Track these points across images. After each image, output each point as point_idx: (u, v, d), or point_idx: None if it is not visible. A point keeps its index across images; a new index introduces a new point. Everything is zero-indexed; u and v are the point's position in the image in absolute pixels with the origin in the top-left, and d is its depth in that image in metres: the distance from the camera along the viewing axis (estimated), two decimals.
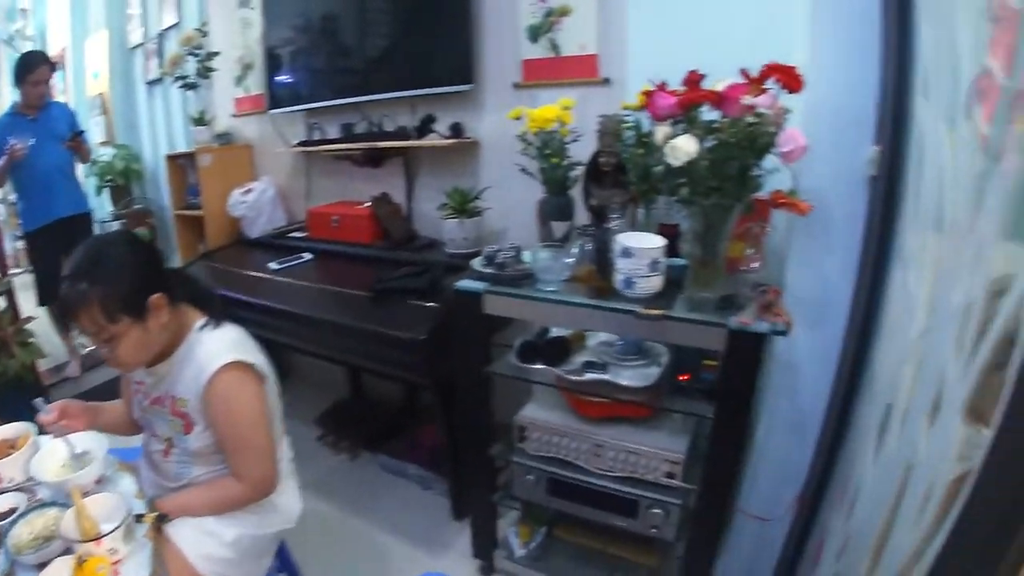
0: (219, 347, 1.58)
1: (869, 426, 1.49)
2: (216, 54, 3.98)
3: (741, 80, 1.67)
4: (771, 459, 2.00)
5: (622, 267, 1.74)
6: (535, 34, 2.64)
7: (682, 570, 1.99)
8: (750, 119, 1.63)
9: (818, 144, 1.70)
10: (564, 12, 2.55)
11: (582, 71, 2.54)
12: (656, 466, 1.94)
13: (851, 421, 1.72)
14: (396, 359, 2.39)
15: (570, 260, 1.86)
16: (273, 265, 3.13)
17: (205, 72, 3.99)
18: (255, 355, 1.63)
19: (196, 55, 3.98)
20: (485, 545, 2.41)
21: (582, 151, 2.12)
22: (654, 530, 1.99)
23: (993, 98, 0.99)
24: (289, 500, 1.83)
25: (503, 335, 2.34)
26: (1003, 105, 0.92)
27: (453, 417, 2.41)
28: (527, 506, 2.33)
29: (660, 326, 1.70)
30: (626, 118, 1.95)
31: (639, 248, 1.71)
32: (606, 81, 2.47)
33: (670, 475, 1.93)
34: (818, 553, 1.80)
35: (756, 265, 1.86)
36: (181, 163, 4.20)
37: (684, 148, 1.59)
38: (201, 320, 1.64)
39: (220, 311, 1.68)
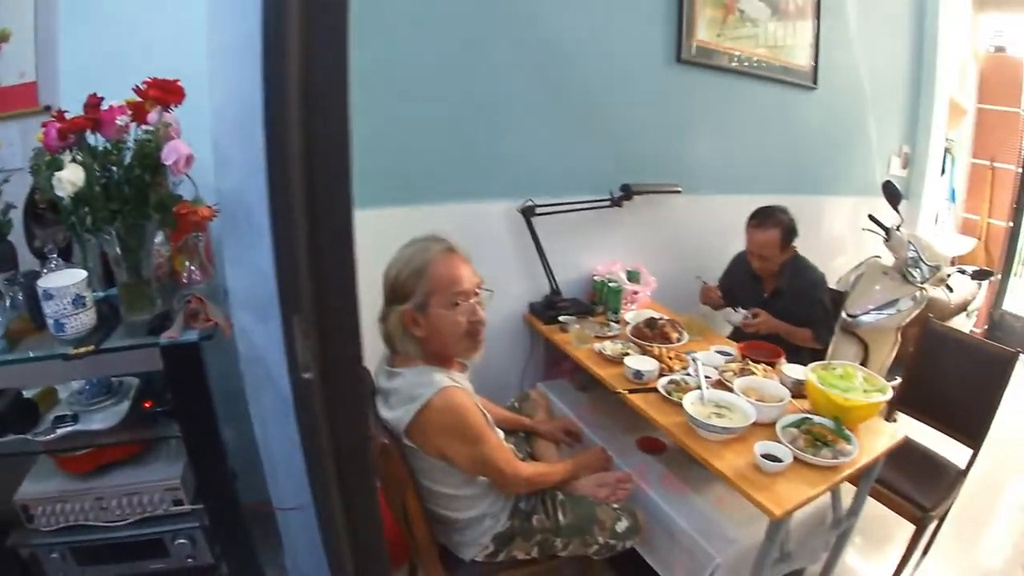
0: None
1: None
2: None
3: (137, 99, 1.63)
4: (279, 450, 2.02)
5: (48, 310, 1.61)
6: None
7: None
8: (145, 136, 1.59)
9: (230, 148, 1.71)
10: (3, 37, 2.29)
11: (23, 101, 2.30)
12: (160, 498, 1.86)
13: None
14: None
15: None
16: None
17: None
18: None
19: None
20: None
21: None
22: (191, 560, 1.92)
23: None
24: None
25: None
26: None
27: None
28: None
29: (99, 361, 1.61)
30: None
31: (57, 287, 1.59)
32: (47, 109, 2.26)
33: (177, 502, 1.87)
34: None
35: (199, 276, 1.84)
36: None
37: (69, 178, 1.50)
38: None
39: None
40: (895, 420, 3.24)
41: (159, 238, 1.89)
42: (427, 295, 1.62)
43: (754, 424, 1.90)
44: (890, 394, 1.98)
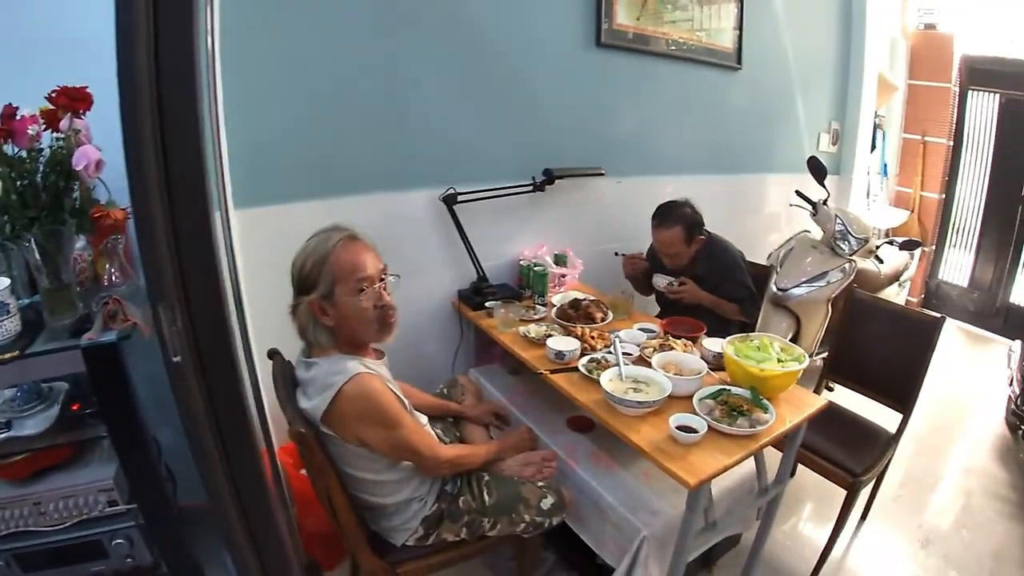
0: None
1: None
2: None
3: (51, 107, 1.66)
4: None
5: None
6: None
7: None
8: (58, 143, 1.63)
9: None
10: None
11: None
12: (95, 500, 1.89)
13: None
14: None
15: None
16: None
17: None
18: None
19: None
20: None
21: None
22: (130, 560, 1.94)
23: None
24: None
25: None
26: None
27: None
28: None
29: (25, 367, 1.64)
30: None
31: None
32: None
33: (112, 503, 1.89)
34: None
35: (120, 278, 1.87)
36: None
37: None
38: None
39: None
40: (831, 389, 3.34)
41: (81, 243, 1.92)
42: (331, 283, 1.66)
43: (674, 398, 1.95)
44: (806, 363, 2.02)
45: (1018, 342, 3.75)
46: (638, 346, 2.26)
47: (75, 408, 1.87)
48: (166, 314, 0.85)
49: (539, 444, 2.23)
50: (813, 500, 3.02)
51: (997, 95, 5.13)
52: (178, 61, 0.75)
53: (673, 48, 3.47)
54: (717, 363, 2.18)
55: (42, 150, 1.66)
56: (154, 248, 0.82)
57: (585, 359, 2.16)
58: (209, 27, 1.81)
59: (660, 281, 2.93)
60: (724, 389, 1.98)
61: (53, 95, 1.67)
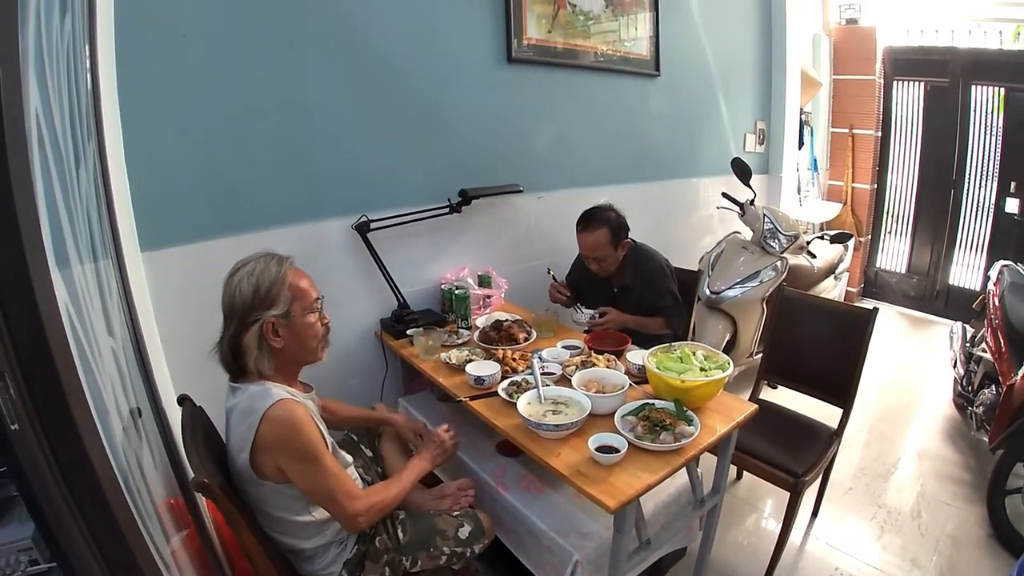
0: None
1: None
2: None
3: None
4: None
5: None
6: None
7: None
8: None
9: None
10: None
11: None
12: (17, 560, 1.80)
13: None
14: None
15: None
16: None
17: None
18: None
19: None
20: None
21: None
22: None
23: None
24: None
25: None
26: None
27: None
28: None
29: None
30: None
31: None
32: None
33: (34, 561, 1.81)
34: None
35: None
36: None
37: None
38: None
39: None
40: (775, 387, 3.35)
41: None
42: (290, 303, 1.67)
43: (597, 416, 1.91)
44: (731, 370, 1.99)
45: (959, 323, 3.80)
46: (561, 365, 2.21)
47: None
48: None
49: (460, 443, 2.15)
50: (764, 502, 3.01)
51: (921, 83, 5.28)
52: None
53: (589, 59, 3.45)
54: (642, 376, 2.14)
55: None
56: None
57: (505, 382, 2.10)
58: (87, 65, 1.76)
59: (581, 317, 2.84)
60: (648, 403, 1.93)
61: None
